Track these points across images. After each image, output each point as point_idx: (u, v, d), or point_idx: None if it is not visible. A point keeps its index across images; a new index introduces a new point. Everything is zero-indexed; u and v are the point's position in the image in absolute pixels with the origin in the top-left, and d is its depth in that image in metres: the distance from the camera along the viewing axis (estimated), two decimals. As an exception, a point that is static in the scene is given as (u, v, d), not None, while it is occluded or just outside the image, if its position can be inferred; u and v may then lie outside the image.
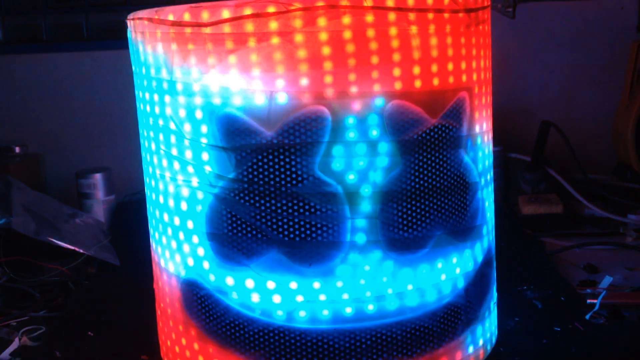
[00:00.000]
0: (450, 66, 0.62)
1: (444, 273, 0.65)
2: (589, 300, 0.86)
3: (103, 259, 1.11)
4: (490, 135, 0.71)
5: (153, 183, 0.69)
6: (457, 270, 0.66)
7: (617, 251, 1.10)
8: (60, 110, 1.50)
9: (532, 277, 0.96)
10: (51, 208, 1.22)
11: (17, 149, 1.43)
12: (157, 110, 0.66)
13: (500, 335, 0.76)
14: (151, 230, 0.73)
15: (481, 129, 0.68)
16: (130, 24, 0.68)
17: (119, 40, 1.46)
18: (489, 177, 0.71)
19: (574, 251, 1.09)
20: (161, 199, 0.68)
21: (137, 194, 1.46)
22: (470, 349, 0.69)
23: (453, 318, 0.66)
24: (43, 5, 1.47)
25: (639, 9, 1.45)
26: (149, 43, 0.64)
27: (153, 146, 0.68)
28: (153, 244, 0.72)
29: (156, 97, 0.65)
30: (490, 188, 0.71)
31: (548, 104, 1.48)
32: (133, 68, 0.70)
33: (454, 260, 0.66)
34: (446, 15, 0.61)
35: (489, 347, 0.72)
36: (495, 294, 0.74)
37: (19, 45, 1.49)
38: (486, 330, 0.71)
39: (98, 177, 1.31)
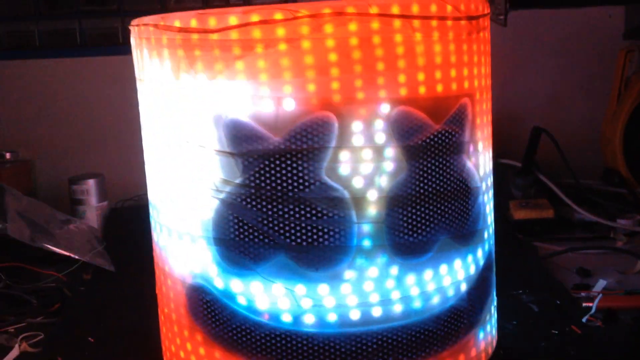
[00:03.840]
0: (453, 73, 0.64)
1: (448, 277, 0.66)
2: (584, 304, 0.88)
3: (98, 265, 1.11)
4: (490, 141, 0.72)
5: (159, 188, 0.69)
6: (461, 274, 0.67)
7: (607, 255, 1.12)
8: (51, 116, 1.50)
9: (527, 281, 0.97)
10: (44, 214, 1.21)
11: (8, 155, 1.42)
12: (163, 115, 0.66)
13: (499, 338, 0.77)
14: (154, 236, 0.73)
15: (482, 135, 0.69)
16: (134, 30, 0.68)
17: (111, 46, 1.47)
18: (489, 182, 0.72)
19: (566, 255, 1.11)
20: (167, 204, 0.68)
21: (129, 199, 1.46)
22: (473, 352, 0.69)
23: (456, 321, 0.67)
24: (36, 11, 1.47)
25: (626, 17, 1.47)
26: (154, 49, 0.65)
27: (158, 152, 0.68)
28: (157, 249, 0.72)
29: (162, 103, 0.66)
30: (491, 193, 0.73)
31: (537, 110, 1.50)
32: (136, 74, 0.71)
33: (457, 264, 0.66)
34: (449, 22, 0.62)
35: (490, 350, 0.73)
36: (495, 298, 0.75)
37: (11, 51, 1.48)
38: (488, 333, 0.72)
39: (91, 183, 1.31)
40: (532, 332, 0.81)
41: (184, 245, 0.67)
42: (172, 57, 0.63)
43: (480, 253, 0.70)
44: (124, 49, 1.47)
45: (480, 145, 0.69)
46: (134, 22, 0.68)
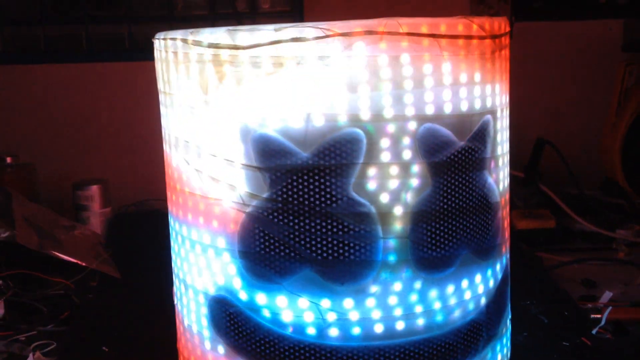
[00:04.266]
0: (477, 91, 0.65)
1: (469, 291, 0.67)
2: (592, 315, 0.89)
3: (104, 271, 1.11)
4: (508, 157, 0.73)
5: (180, 200, 0.70)
6: (481, 288, 0.68)
7: (610, 265, 1.13)
8: (54, 120, 1.50)
9: (534, 292, 0.98)
10: (49, 220, 1.21)
11: (9, 160, 1.42)
12: (188, 128, 0.66)
13: (512, 350, 0.78)
14: (174, 247, 0.73)
15: (502, 151, 0.70)
16: (159, 43, 0.69)
17: (117, 52, 1.47)
18: (507, 196, 0.73)
19: (570, 266, 1.12)
20: (189, 217, 0.69)
21: (132, 205, 1.46)
22: (490, 365, 0.70)
23: (476, 335, 0.68)
24: (42, 16, 1.47)
25: (625, 30, 1.50)
26: (182, 63, 0.65)
27: (182, 164, 0.68)
28: (177, 261, 0.73)
29: (188, 116, 0.66)
30: (508, 208, 0.74)
31: (538, 120, 1.51)
32: (160, 86, 0.71)
33: (478, 278, 0.67)
34: (475, 41, 0.64)
35: (505, 362, 0.74)
36: (509, 311, 0.76)
37: (16, 55, 1.48)
38: (504, 345, 0.73)
39: (95, 188, 1.31)
40: (543, 344, 0.83)
41: (208, 258, 0.67)
42: (201, 72, 0.63)
43: (498, 267, 0.71)
44: (130, 54, 1.48)
45: (500, 161, 0.70)
46: (160, 35, 0.69)
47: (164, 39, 0.68)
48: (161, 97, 0.72)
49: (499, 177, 0.70)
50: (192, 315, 0.71)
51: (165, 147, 0.73)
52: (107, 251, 1.18)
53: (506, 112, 0.71)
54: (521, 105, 1.55)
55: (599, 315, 0.89)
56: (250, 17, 1.44)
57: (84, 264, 1.10)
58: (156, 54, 0.71)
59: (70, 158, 1.51)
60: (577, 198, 1.35)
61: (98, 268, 1.10)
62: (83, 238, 1.22)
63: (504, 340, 0.73)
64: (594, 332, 0.84)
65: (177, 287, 0.74)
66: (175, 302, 0.76)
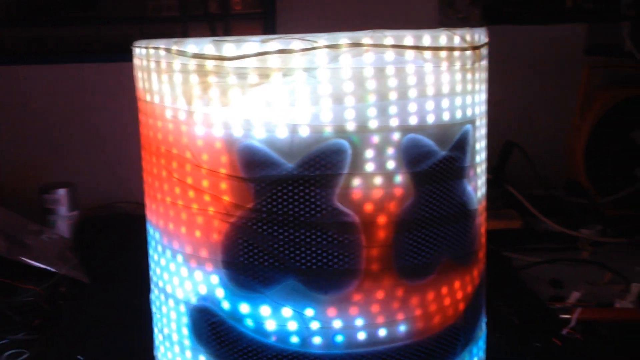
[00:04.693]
0: (458, 101, 0.66)
1: (448, 297, 0.68)
2: (561, 316, 0.92)
3: (73, 277, 1.10)
4: (486, 164, 0.74)
5: (161, 209, 0.69)
6: (459, 294, 0.69)
7: (576, 265, 1.16)
8: (19, 123, 1.47)
9: (504, 293, 1.00)
10: (16, 224, 1.19)
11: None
12: (170, 138, 0.66)
13: (486, 352, 0.80)
14: (154, 256, 0.73)
15: (480, 159, 0.71)
16: (140, 51, 0.68)
17: (83, 54, 1.45)
18: (484, 203, 0.74)
19: (537, 265, 1.15)
20: (170, 226, 0.68)
21: (99, 208, 1.45)
22: (468, 369, 0.72)
23: (455, 340, 0.69)
24: (8, 17, 1.43)
25: (588, 34, 1.53)
26: (165, 73, 0.65)
27: (163, 173, 0.68)
28: (157, 270, 0.72)
29: (170, 126, 0.66)
30: (485, 214, 0.75)
31: (505, 122, 1.54)
32: (140, 94, 0.71)
33: (457, 284, 0.69)
34: (456, 53, 0.65)
35: (481, 365, 0.76)
36: (485, 314, 0.77)
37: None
38: (479, 348, 0.75)
39: (62, 192, 1.29)
40: (515, 346, 0.84)
41: (190, 268, 0.67)
42: (185, 82, 0.63)
43: (476, 273, 0.72)
44: (99, 56, 1.46)
45: (478, 169, 0.71)
46: (141, 43, 0.68)
47: (146, 47, 0.67)
48: (141, 105, 0.71)
49: (477, 185, 0.71)
50: (172, 325, 0.70)
51: (145, 155, 0.72)
52: (76, 256, 1.17)
53: (484, 121, 0.73)
54: (488, 106, 1.58)
55: (567, 316, 0.91)
56: (222, 19, 1.43)
57: (52, 270, 1.08)
58: (136, 61, 0.71)
59: (36, 161, 1.48)
60: (542, 198, 1.38)
61: (68, 274, 1.09)
62: (51, 243, 1.20)
63: (480, 343, 0.75)
64: (564, 332, 0.87)
65: (156, 296, 0.74)
66: (154, 310, 0.75)
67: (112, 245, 1.29)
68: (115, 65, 1.43)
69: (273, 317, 0.64)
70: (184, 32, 1.42)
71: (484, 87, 0.71)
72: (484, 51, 0.70)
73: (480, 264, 0.74)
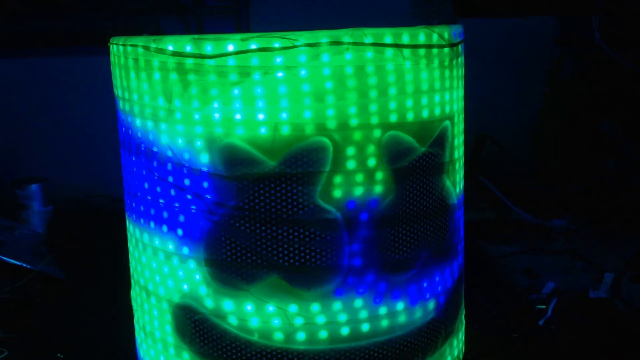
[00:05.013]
0: (437, 98, 0.66)
1: (429, 292, 0.69)
2: (537, 306, 0.93)
3: (49, 273, 1.09)
4: (463, 159, 0.75)
5: (142, 207, 0.69)
6: (440, 288, 0.70)
7: (549, 254, 1.18)
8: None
9: (480, 283, 1.02)
10: (-12, 221, 1.18)
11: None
12: (150, 136, 0.66)
13: (465, 343, 0.81)
14: (135, 253, 0.72)
15: (459, 154, 0.72)
16: (118, 48, 0.68)
17: (54, 47, 1.42)
18: (462, 197, 0.75)
19: (511, 255, 1.17)
20: (151, 224, 0.68)
21: (72, 202, 1.43)
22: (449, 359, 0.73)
23: (436, 332, 0.70)
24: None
25: (556, 26, 1.55)
26: (143, 70, 0.64)
27: (144, 171, 0.68)
28: (138, 267, 0.72)
29: (150, 125, 0.65)
30: (462, 208, 0.76)
31: (475, 115, 1.55)
32: (118, 92, 0.70)
33: (437, 278, 0.70)
34: (435, 50, 0.65)
35: (461, 356, 0.77)
36: (464, 307, 0.79)
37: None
38: (459, 340, 0.76)
39: (35, 187, 1.27)
40: (494, 336, 0.86)
41: (172, 266, 0.67)
42: (165, 80, 0.63)
43: (455, 266, 0.73)
44: (67, 50, 1.44)
45: (457, 164, 0.72)
46: (118, 41, 0.68)
47: (124, 44, 0.66)
48: (119, 103, 0.71)
49: (456, 180, 0.72)
50: (155, 322, 0.70)
51: (124, 153, 0.72)
52: (50, 252, 1.15)
53: (462, 117, 0.74)
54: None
55: (543, 306, 0.93)
56: (194, 11, 1.42)
57: (28, 267, 1.07)
58: (113, 58, 0.70)
59: (7, 155, 1.46)
60: (514, 189, 1.40)
61: (44, 270, 1.08)
62: (24, 239, 1.18)
63: (460, 335, 0.76)
64: (540, 323, 0.88)
65: (137, 294, 0.73)
66: (135, 307, 0.75)
67: (86, 241, 1.27)
68: (85, 59, 1.42)
69: (257, 314, 0.64)
70: (156, 25, 1.40)
71: (461, 83, 0.72)
72: (461, 48, 0.71)
73: (459, 257, 0.75)
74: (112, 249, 1.22)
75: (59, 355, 0.83)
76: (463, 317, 0.78)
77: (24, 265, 1.07)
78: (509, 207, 1.34)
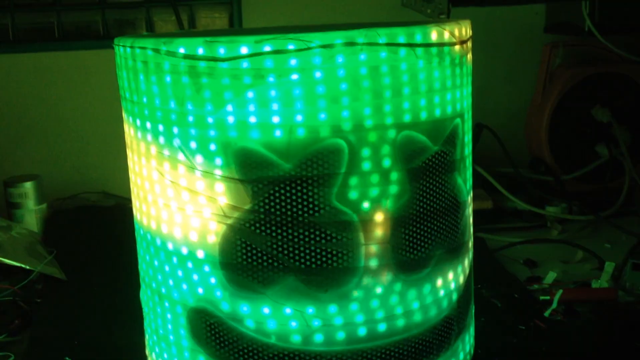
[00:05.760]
0: (448, 96, 0.66)
1: (443, 289, 0.69)
2: (541, 297, 0.94)
3: (49, 274, 1.08)
4: (472, 156, 0.75)
5: (153, 211, 0.69)
6: (453, 285, 0.70)
7: (545, 244, 1.19)
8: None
9: (483, 275, 1.02)
10: (-17, 221, 1.16)
11: None
12: (161, 140, 0.65)
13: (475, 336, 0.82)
14: (146, 257, 0.72)
15: (469, 151, 0.72)
16: (125, 50, 0.67)
17: (46, 42, 1.40)
18: (472, 194, 0.75)
19: (508, 245, 1.18)
20: (164, 228, 0.67)
21: (65, 200, 1.42)
22: (461, 356, 0.73)
23: (449, 329, 0.71)
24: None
25: (547, 13, 1.55)
26: (154, 73, 0.64)
27: (154, 175, 0.67)
28: (149, 271, 0.72)
29: (161, 127, 0.65)
30: (472, 205, 0.76)
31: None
32: (126, 94, 0.69)
33: (450, 275, 0.70)
34: (446, 49, 0.65)
35: (472, 351, 0.77)
36: (473, 302, 0.79)
37: None
38: (470, 335, 0.76)
39: (29, 185, 1.26)
40: (501, 329, 0.86)
41: (186, 269, 0.66)
42: (176, 84, 0.62)
43: (466, 262, 0.73)
44: (59, 45, 1.42)
45: (467, 161, 0.72)
46: (124, 42, 0.67)
47: (132, 47, 0.65)
48: (126, 105, 0.70)
49: (466, 177, 0.72)
50: (168, 326, 0.70)
51: (132, 156, 0.71)
52: (49, 251, 1.14)
53: (470, 114, 0.74)
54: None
55: (547, 297, 0.93)
56: (185, 3, 1.40)
57: (27, 268, 1.06)
58: (119, 60, 0.69)
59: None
60: (509, 177, 1.41)
61: (43, 271, 1.07)
62: (21, 238, 1.17)
63: (471, 330, 0.77)
64: (546, 314, 0.89)
65: (149, 297, 0.73)
66: (146, 310, 0.75)
67: (83, 238, 1.26)
68: (76, 54, 1.40)
69: (274, 317, 0.64)
70: (148, 17, 1.39)
71: (470, 79, 0.72)
72: (470, 44, 0.71)
73: (470, 253, 0.75)
74: (110, 245, 1.22)
75: (66, 358, 0.82)
76: (473, 312, 0.78)
77: (23, 266, 1.06)
78: (505, 196, 1.34)
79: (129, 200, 0.75)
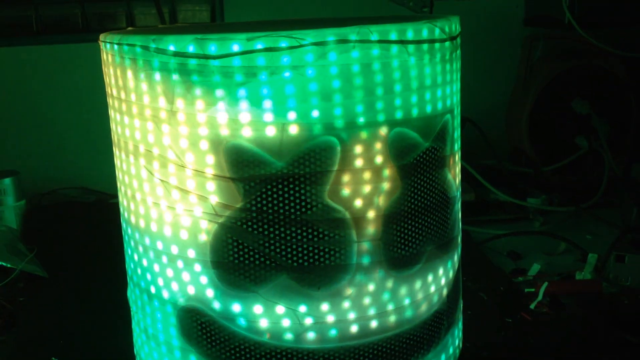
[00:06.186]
0: (439, 92, 0.66)
1: (434, 285, 0.69)
2: (526, 289, 0.95)
3: (31, 272, 1.07)
4: (460, 152, 0.76)
5: (142, 210, 0.68)
6: (443, 281, 0.71)
7: (528, 236, 1.20)
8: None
9: (469, 268, 1.03)
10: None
11: None
12: (150, 138, 0.64)
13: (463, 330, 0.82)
14: (134, 256, 0.71)
15: (458, 147, 0.72)
16: (111, 47, 0.66)
17: (24, 36, 1.38)
18: (461, 189, 0.76)
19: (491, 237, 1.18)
20: (153, 227, 0.67)
21: (45, 195, 1.40)
22: (451, 350, 0.74)
23: (439, 324, 0.71)
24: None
25: (526, 5, 1.56)
26: (142, 71, 0.63)
27: (143, 173, 0.66)
28: (138, 270, 0.71)
29: (150, 126, 0.64)
30: (461, 199, 0.77)
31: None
32: (112, 91, 0.68)
33: (440, 271, 0.70)
34: (437, 45, 0.65)
35: (460, 345, 0.78)
36: (462, 297, 0.79)
37: None
38: (459, 329, 0.77)
39: (8, 182, 1.24)
40: (488, 322, 0.87)
41: (176, 269, 0.66)
42: (166, 81, 0.61)
43: (456, 257, 0.74)
44: (38, 39, 1.39)
45: (457, 157, 0.72)
46: (112, 38, 0.66)
47: (119, 43, 0.64)
48: (113, 102, 0.69)
49: (456, 172, 0.72)
50: (158, 325, 0.69)
51: (119, 154, 0.70)
52: (29, 249, 1.13)
53: (459, 109, 0.74)
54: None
55: (532, 289, 0.94)
56: (168, -1, 1.39)
57: (9, 266, 1.04)
58: (105, 56, 0.68)
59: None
60: (490, 169, 1.42)
61: (25, 269, 1.05)
62: (0, 236, 1.15)
63: (459, 325, 0.77)
64: (532, 306, 0.90)
65: (138, 296, 0.72)
66: (134, 309, 0.74)
67: (62, 234, 1.25)
68: (55, 48, 1.38)
69: (266, 316, 0.64)
70: (129, 11, 1.37)
71: (459, 75, 0.72)
72: (459, 40, 0.71)
73: (459, 248, 0.75)
74: (91, 241, 1.21)
75: (53, 359, 0.81)
76: (461, 306, 0.78)
77: (4, 264, 1.04)
78: (487, 188, 1.35)
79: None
